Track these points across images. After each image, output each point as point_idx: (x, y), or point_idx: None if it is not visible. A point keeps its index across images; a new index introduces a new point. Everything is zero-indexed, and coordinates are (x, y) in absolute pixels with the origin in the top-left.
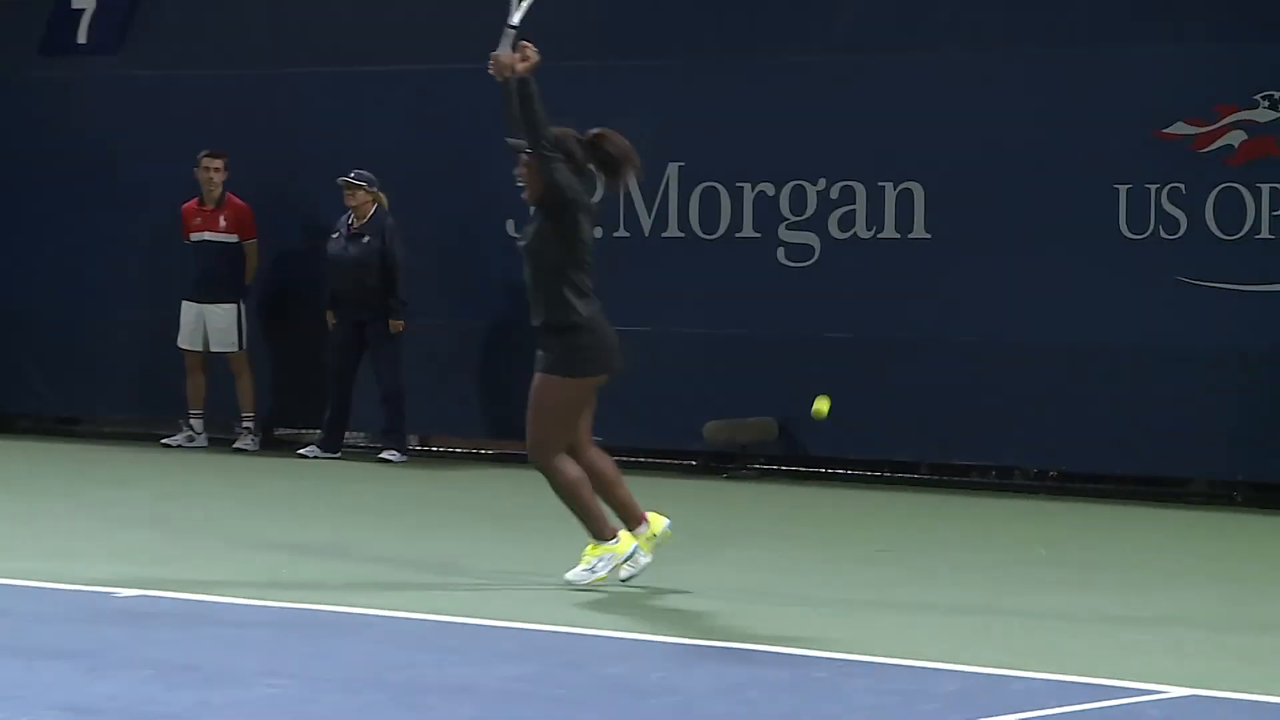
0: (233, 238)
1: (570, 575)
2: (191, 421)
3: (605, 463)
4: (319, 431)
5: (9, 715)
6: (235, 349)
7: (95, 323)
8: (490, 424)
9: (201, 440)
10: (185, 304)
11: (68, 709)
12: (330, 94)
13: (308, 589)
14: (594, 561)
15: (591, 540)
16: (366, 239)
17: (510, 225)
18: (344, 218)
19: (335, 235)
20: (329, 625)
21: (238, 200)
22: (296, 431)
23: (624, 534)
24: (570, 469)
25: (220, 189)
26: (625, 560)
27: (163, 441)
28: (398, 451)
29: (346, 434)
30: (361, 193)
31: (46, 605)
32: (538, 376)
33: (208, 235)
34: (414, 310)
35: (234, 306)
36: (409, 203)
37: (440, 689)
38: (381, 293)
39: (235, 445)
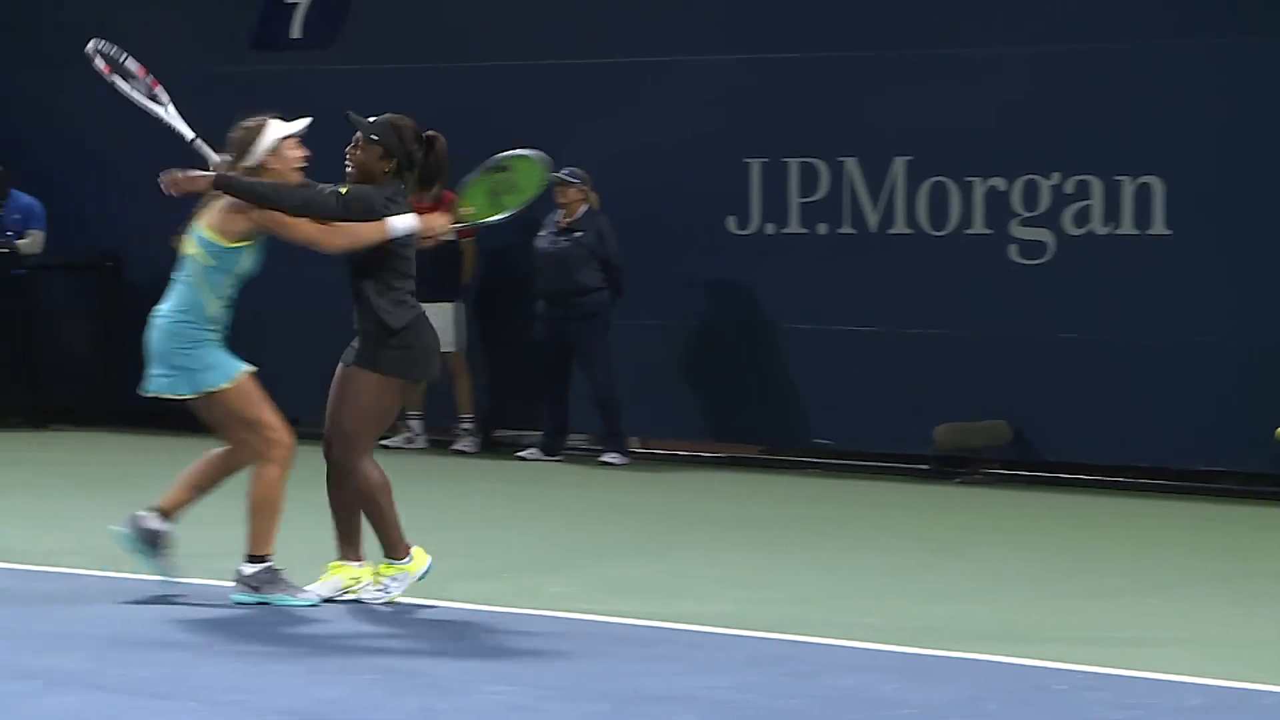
0: (450, 236)
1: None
2: (410, 423)
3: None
4: (539, 433)
5: (232, 717)
6: (454, 349)
7: (315, 324)
8: (712, 427)
9: (420, 441)
10: None
11: (289, 713)
12: (538, 87)
13: (529, 595)
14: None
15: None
16: (575, 236)
17: (731, 222)
18: (552, 214)
19: (542, 232)
20: (554, 632)
21: (452, 196)
22: (517, 433)
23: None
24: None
25: (437, 187)
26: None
27: (382, 443)
28: (619, 454)
29: (569, 437)
30: (573, 190)
31: (270, 610)
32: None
33: None
34: (627, 310)
35: (452, 306)
36: (617, 200)
37: (663, 698)
38: (589, 291)
39: (454, 447)
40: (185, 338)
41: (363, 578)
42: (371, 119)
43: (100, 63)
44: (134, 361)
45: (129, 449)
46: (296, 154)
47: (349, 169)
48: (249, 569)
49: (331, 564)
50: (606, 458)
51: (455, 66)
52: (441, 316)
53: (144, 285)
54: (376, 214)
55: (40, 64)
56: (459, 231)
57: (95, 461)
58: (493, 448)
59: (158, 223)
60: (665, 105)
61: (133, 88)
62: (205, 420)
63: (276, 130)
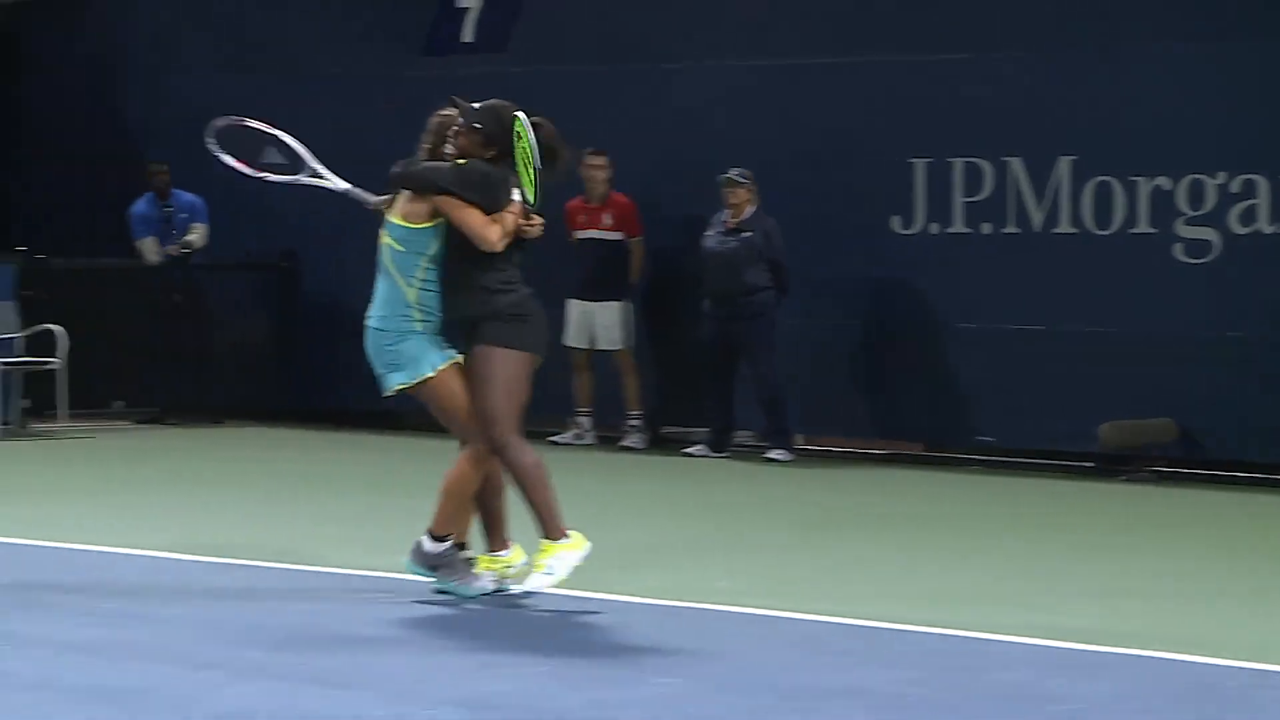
0: (618, 235)
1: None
2: (579, 419)
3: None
4: (705, 430)
5: (409, 708)
6: (622, 347)
7: None
8: (876, 424)
9: (589, 438)
10: (571, 302)
11: (463, 704)
12: (704, 89)
13: (696, 589)
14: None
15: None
16: (743, 236)
17: (896, 222)
18: (720, 214)
19: (710, 232)
20: (721, 626)
21: (622, 197)
22: (684, 430)
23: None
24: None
25: (604, 186)
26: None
27: (551, 439)
28: (784, 451)
29: (735, 433)
30: (741, 191)
31: (446, 602)
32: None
33: (593, 233)
34: (792, 309)
35: (620, 304)
36: (783, 200)
37: (831, 692)
38: (756, 290)
39: (622, 443)
40: (391, 332)
41: (514, 562)
42: (476, 104)
43: (228, 159)
44: (308, 358)
45: (303, 445)
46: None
47: (450, 155)
48: (430, 545)
49: (480, 558)
50: (772, 454)
51: (623, 68)
52: (609, 315)
53: (319, 285)
54: (499, 188)
55: (214, 66)
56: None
57: (271, 458)
58: (660, 444)
59: (332, 225)
60: (830, 106)
61: (267, 168)
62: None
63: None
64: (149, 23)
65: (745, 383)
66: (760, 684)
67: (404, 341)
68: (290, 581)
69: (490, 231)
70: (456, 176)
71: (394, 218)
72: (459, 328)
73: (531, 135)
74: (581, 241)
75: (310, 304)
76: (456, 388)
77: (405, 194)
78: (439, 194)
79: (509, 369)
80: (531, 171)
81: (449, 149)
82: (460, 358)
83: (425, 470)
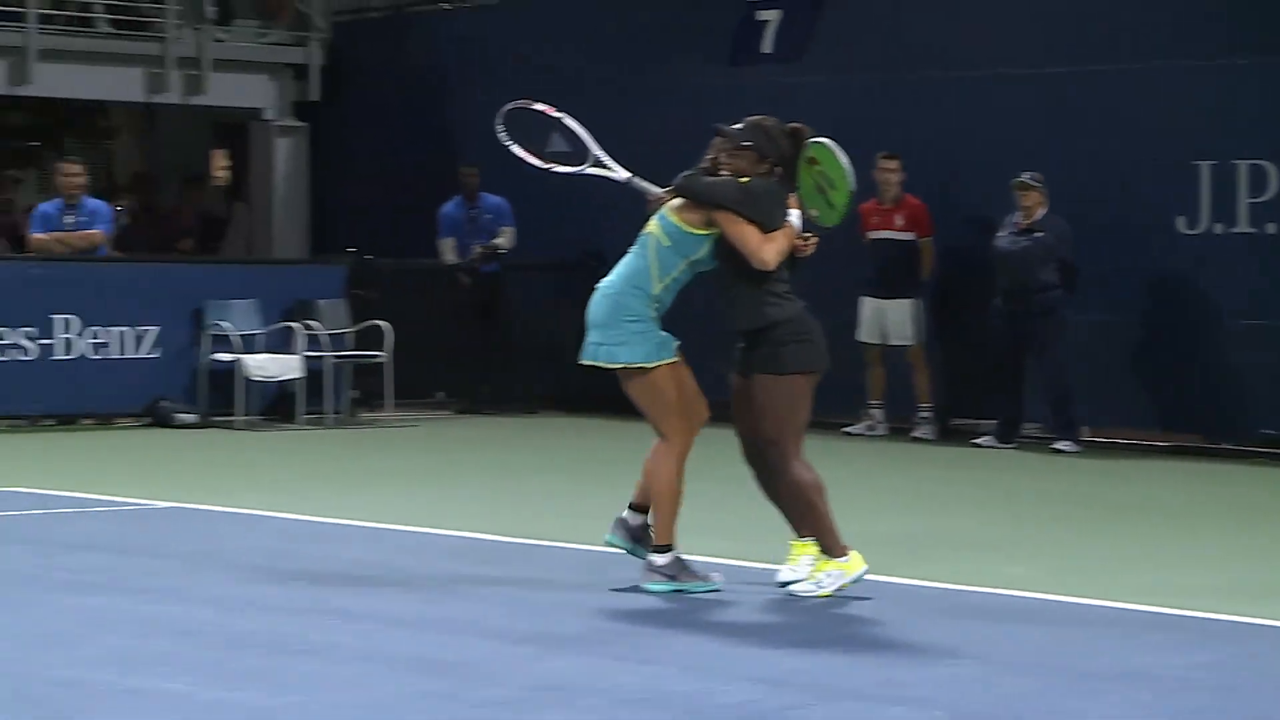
0: (909, 235)
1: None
2: (872, 411)
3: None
4: (994, 422)
5: (710, 683)
6: (913, 342)
7: None
8: (1159, 417)
9: (881, 429)
10: (865, 299)
11: (760, 680)
12: (994, 96)
13: (987, 574)
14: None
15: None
16: (1035, 236)
17: (1181, 222)
18: (1012, 215)
19: (1002, 233)
20: (1011, 610)
21: (914, 199)
22: (972, 421)
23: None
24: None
25: (897, 189)
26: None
27: (844, 430)
28: (1071, 442)
29: (1022, 425)
30: (1033, 193)
31: (734, 583)
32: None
33: (885, 233)
34: (1079, 305)
35: (911, 301)
36: (1072, 202)
37: (1118, 675)
38: (1047, 288)
39: (913, 434)
40: (628, 310)
41: (852, 569)
42: (737, 125)
43: (518, 149)
44: None
45: (608, 434)
46: None
47: (724, 176)
48: (659, 559)
49: (794, 544)
50: (1059, 445)
51: (915, 77)
52: (901, 312)
53: None
54: (761, 210)
55: (525, 77)
56: (916, 232)
57: (578, 446)
58: (950, 435)
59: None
60: (1117, 111)
61: (554, 159)
62: (629, 395)
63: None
64: (465, 38)
65: (1033, 376)
66: (1048, 667)
67: (638, 324)
68: (594, 562)
69: (766, 250)
70: (739, 194)
71: (671, 215)
72: (736, 338)
73: (843, 158)
74: (875, 241)
75: None
76: (669, 386)
77: (681, 200)
78: (719, 209)
79: (793, 393)
80: (834, 194)
81: (724, 172)
82: (679, 359)
83: (722, 458)
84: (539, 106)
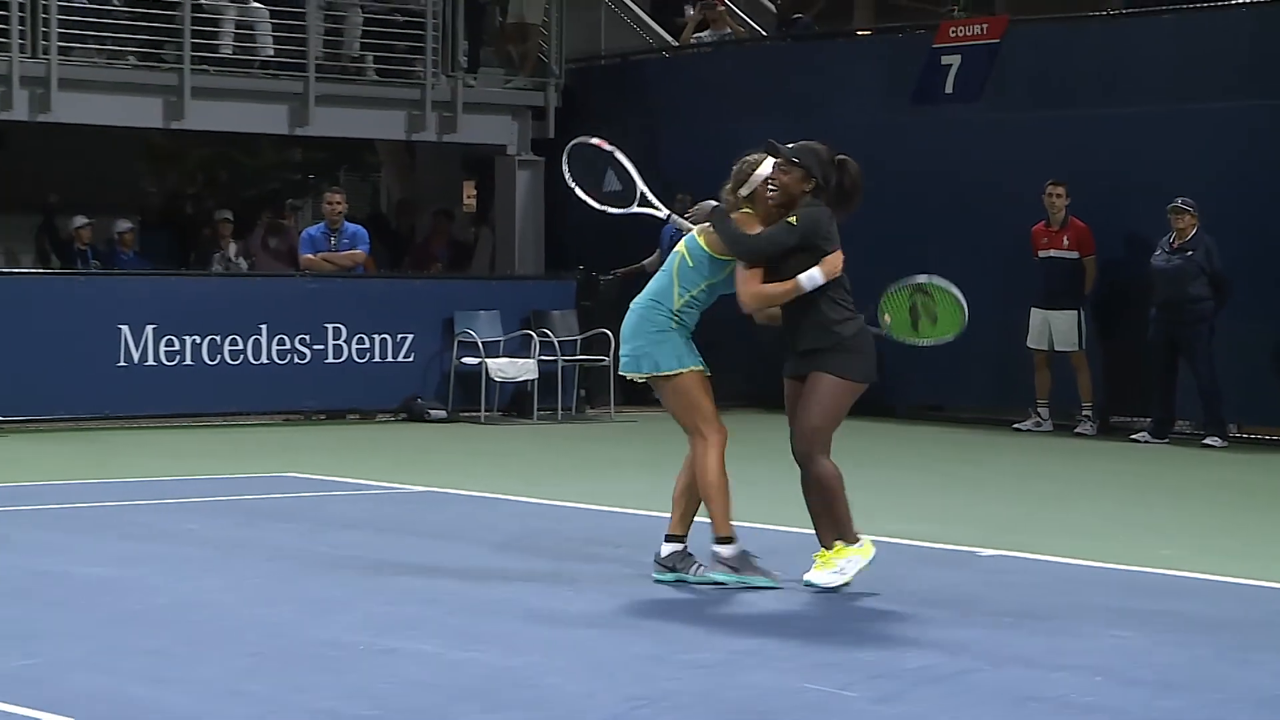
0: (1074, 254)
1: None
2: (1039, 409)
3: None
4: (1149, 419)
5: (893, 649)
6: (1076, 348)
7: None
8: None
9: (1047, 426)
10: (1034, 310)
11: (938, 647)
12: (1152, 128)
13: (1142, 555)
14: (841, 563)
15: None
16: (1188, 254)
17: None
18: (1167, 236)
19: (1158, 252)
20: (1165, 587)
21: (1079, 222)
22: (1129, 419)
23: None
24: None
25: (1063, 213)
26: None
27: (1014, 426)
28: (1219, 438)
29: (1175, 422)
30: (1187, 216)
31: (919, 562)
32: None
33: (1053, 252)
34: (1228, 313)
35: (1075, 312)
36: (1224, 221)
37: (1265, 645)
38: (1198, 300)
39: (1075, 430)
40: (652, 323)
41: (865, 554)
42: (790, 145)
43: (580, 191)
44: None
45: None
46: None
47: (771, 191)
48: (724, 550)
49: (818, 556)
50: (1209, 441)
51: (1080, 113)
52: (1065, 321)
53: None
54: (823, 236)
55: (732, 114)
56: (1080, 251)
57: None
58: (1109, 431)
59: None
60: (1260, 138)
61: (608, 201)
62: (662, 403)
63: (765, 168)
64: (680, 82)
65: (1185, 378)
66: (1202, 637)
67: (661, 335)
68: (789, 542)
69: (745, 294)
70: (750, 249)
71: (699, 238)
72: (795, 353)
73: (963, 313)
74: (1043, 259)
75: None
76: (697, 388)
77: (709, 226)
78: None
79: (840, 397)
80: (925, 325)
81: (772, 186)
82: (704, 368)
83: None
84: (595, 141)
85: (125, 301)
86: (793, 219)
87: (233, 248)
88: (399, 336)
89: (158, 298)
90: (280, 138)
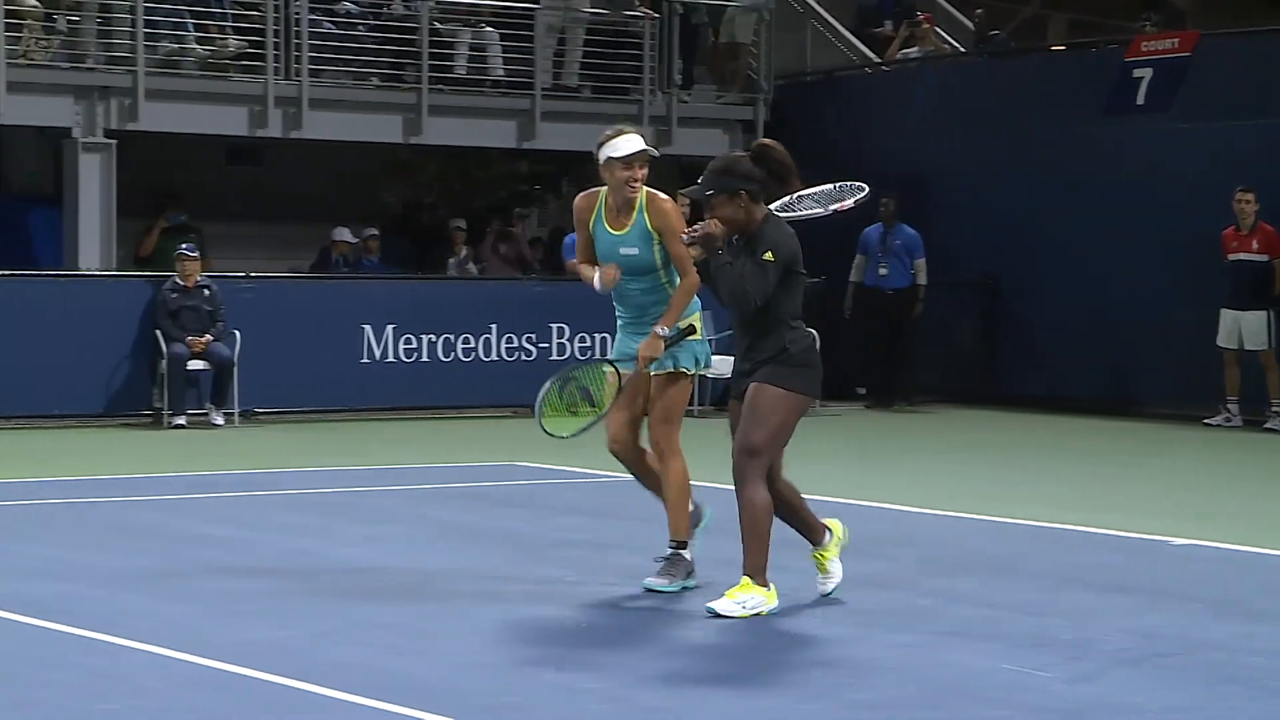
0: (1264, 258)
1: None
2: (1229, 406)
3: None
4: None
5: (1086, 633)
6: (1265, 347)
7: (1153, 324)
8: None
9: (1236, 421)
10: (1224, 311)
11: (1131, 632)
12: None
13: None
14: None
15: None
16: None
17: None
18: None
19: None
20: None
21: (1268, 226)
22: None
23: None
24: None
25: (1252, 218)
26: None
27: (1204, 421)
28: None
29: None
30: None
31: (1111, 550)
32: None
33: (1243, 256)
34: None
35: (1265, 313)
36: None
37: None
38: None
39: (1265, 426)
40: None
41: (770, 601)
42: (695, 185)
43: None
44: (1010, 356)
45: (1004, 425)
46: (622, 174)
47: (631, 189)
48: (683, 554)
49: (815, 554)
50: None
51: (1274, 123)
52: (1255, 322)
53: (1018, 300)
54: (800, 261)
55: (937, 126)
56: (1270, 254)
57: (969, 434)
58: None
59: (1029, 252)
60: None
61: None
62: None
63: (610, 148)
64: (882, 96)
65: None
66: None
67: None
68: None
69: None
70: (774, 274)
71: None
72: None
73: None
74: (1233, 263)
75: (1009, 314)
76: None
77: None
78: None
79: (788, 412)
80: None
81: (631, 189)
82: (612, 370)
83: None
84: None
85: (368, 303)
86: (769, 255)
87: (465, 253)
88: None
89: (397, 300)
90: (508, 151)
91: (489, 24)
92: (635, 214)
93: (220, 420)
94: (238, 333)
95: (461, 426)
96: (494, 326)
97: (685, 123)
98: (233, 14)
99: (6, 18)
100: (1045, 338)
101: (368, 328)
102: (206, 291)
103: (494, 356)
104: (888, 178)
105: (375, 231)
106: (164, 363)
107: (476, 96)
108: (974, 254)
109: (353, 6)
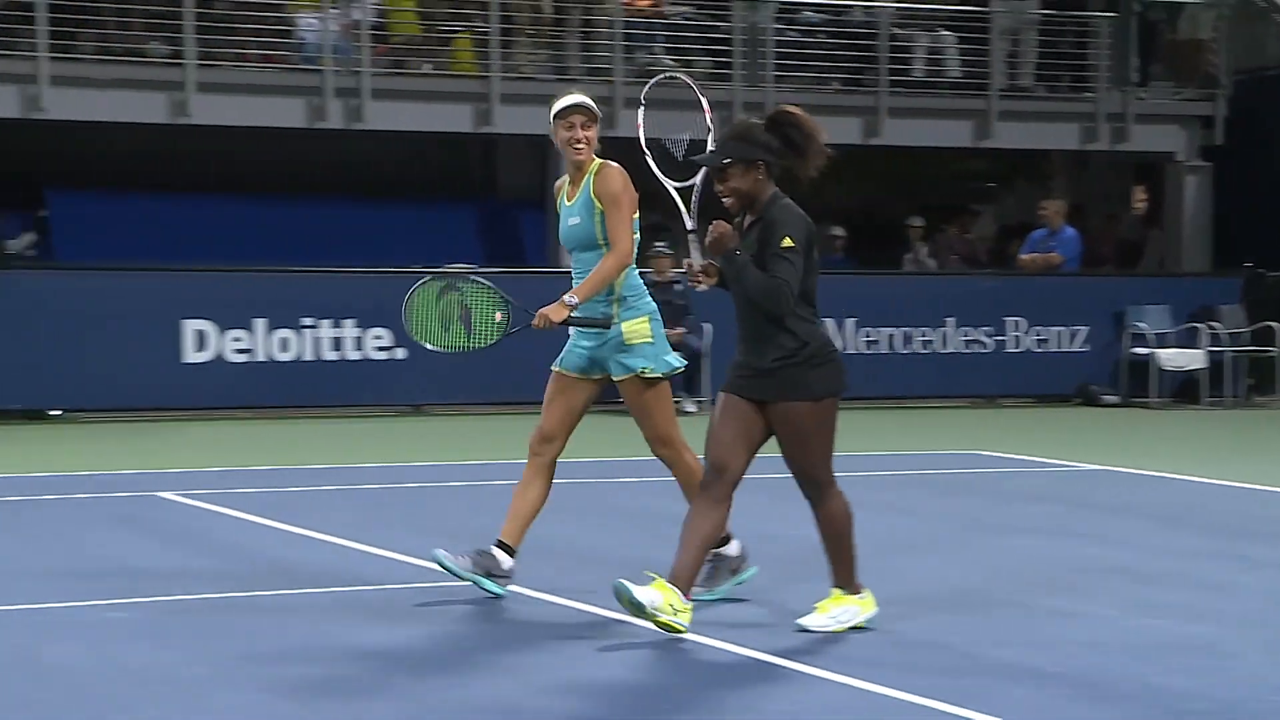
0: None
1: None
2: None
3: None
4: None
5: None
6: None
7: None
8: None
9: None
10: None
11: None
12: None
13: None
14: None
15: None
16: None
17: None
18: None
19: None
20: None
21: None
22: None
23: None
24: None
25: None
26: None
27: None
28: None
29: None
30: None
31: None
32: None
33: None
34: None
35: None
36: None
37: None
38: None
39: None
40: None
41: (865, 609)
42: (709, 152)
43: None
44: None
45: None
46: (564, 135)
47: (578, 148)
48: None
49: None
50: None
51: None
52: None
53: None
54: (815, 238)
55: None
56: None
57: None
58: None
59: None
60: None
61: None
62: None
63: (551, 110)
64: None
65: None
66: None
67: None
68: None
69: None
70: (800, 261)
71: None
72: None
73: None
74: None
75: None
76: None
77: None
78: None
79: (823, 424)
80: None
81: (578, 148)
82: (556, 370)
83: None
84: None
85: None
86: (787, 240)
87: (923, 249)
88: (1073, 328)
89: (858, 294)
90: (964, 150)
91: (946, 27)
92: (583, 180)
93: (692, 408)
94: (707, 325)
95: (921, 415)
96: (950, 320)
97: (1141, 119)
98: (702, 25)
99: (502, 35)
100: None
101: (830, 320)
102: (678, 286)
103: (950, 349)
104: None
105: (842, 231)
106: None
107: (932, 98)
108: None
109: (813, 15)
